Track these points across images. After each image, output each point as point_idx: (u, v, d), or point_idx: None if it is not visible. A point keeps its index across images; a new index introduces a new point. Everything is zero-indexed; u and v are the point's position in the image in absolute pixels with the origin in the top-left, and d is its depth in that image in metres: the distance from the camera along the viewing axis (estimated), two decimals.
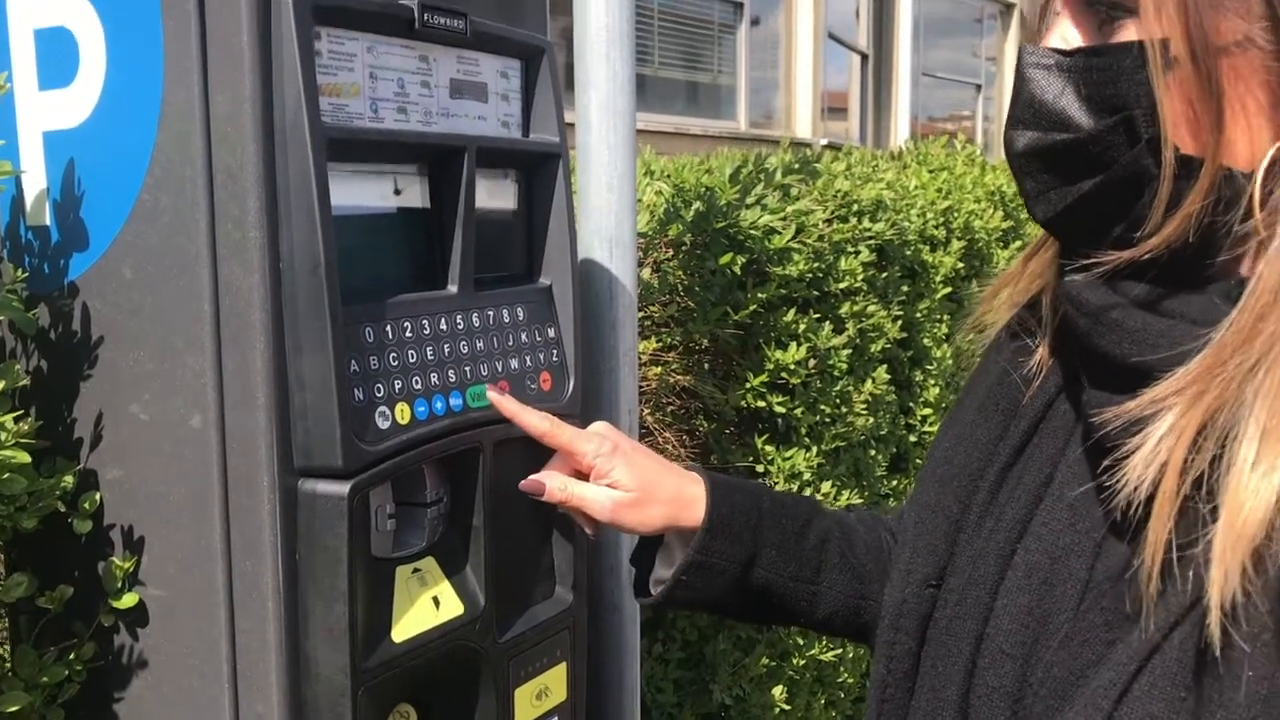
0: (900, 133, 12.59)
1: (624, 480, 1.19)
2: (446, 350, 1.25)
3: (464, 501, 1.30)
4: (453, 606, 1.26)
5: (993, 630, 0.87)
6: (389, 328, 1.19)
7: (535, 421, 1.23)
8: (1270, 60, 0.76)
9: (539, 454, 1.27)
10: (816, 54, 11.03)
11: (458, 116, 1.29)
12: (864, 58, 12.74)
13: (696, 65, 10.06)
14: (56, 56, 1.19)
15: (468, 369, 1.28)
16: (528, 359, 1.36)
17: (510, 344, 1.34)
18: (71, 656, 1.23)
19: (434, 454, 1.22)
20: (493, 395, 1.27)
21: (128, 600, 1.21)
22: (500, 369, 1.32)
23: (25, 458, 1.11)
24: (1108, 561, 0.81)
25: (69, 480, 1.21)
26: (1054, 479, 0.88)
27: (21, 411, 1.13)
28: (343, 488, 1.11)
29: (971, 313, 1.06)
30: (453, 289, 1.28)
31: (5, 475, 1.11)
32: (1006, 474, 0.93)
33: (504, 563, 1.33)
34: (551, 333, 1.40)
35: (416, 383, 1.21)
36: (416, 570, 1.25)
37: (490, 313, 1.32)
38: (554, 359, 1.40)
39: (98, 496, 1.22)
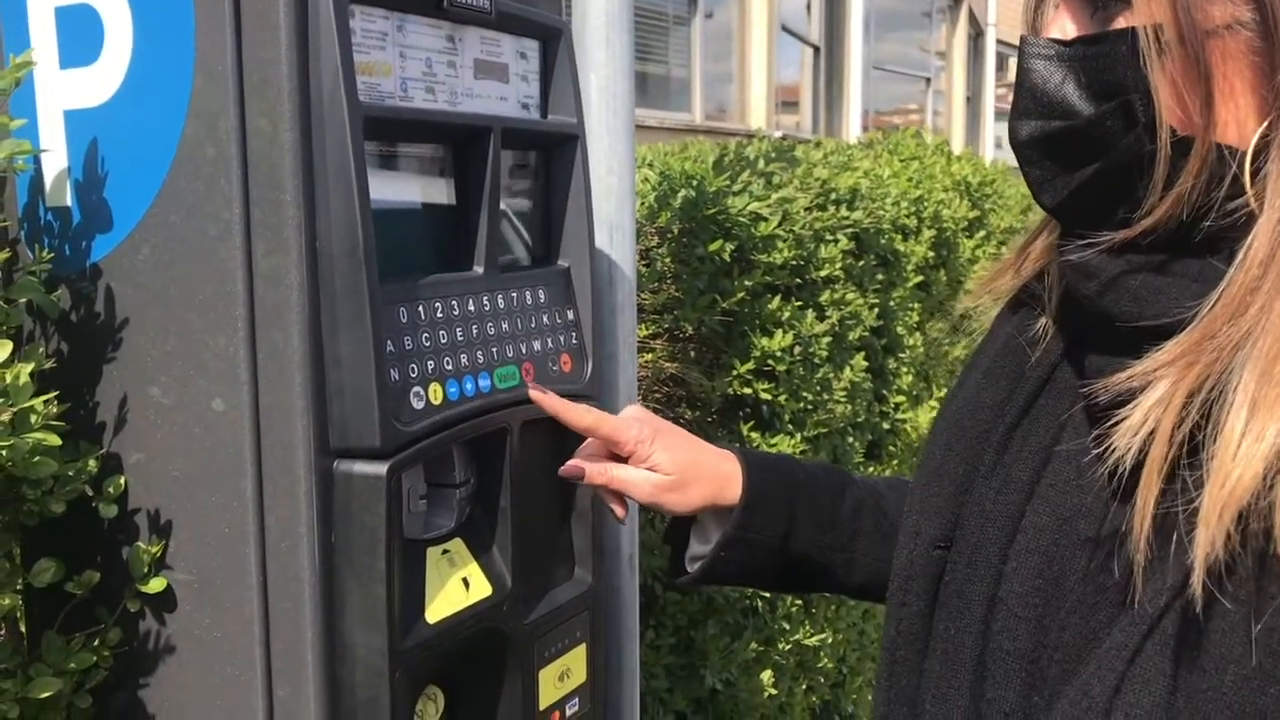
0: (852, 125, 12.65)
1: (664, 464, 1.21)
2: (475, 331, 1.25)
3: (490, 483, 1.29)
4: (481, 588, 1.26)
5: (1004, 593, 0.87)
6: (421, 308, 1.18)
7: (580, 416, 1.25)
8: (1257, 41, 0.77)
9: (563, 435, 1.28)
10: (769, 46, 11.05)
11: (481, 97, 1.28)
12: (816, 50, 12.80)
13: (651, 57, 10.05)
14: (79, 34, 1.17)
15: (495, 350, 1.27)
16: (549, 341, 1.36)
17: (533, 326, 1.34)
18: (97, 643, 1.21)
19: (465, 434, 1.21)
20: (535, 394, 1.26)
21: (155, 585, 1.19)
22: (524, 350, 1.32)
23: (56, 440, 1.09)
24: (1115, 523, 0.81)
25: (93, 464, 1.19)
26: (1060, 440, 0.88)
27: (52, 395, 1.11)
28: (381, 468, 1.11)
29: (973, 289, 1.07)
30: (479, 270, 1.28)
31: (36, 458, 1.09)
32: (1012, 434, 0.92)
33: (528, 544, 1.32)
34: (570, 315, 1.40)
35: (448, 363, 1.20)
36: (446, 551, 1.25)
37: (514, 294, 1.31)
38: (573, 341, 1.40)
39: (122, 480, 1.21)
